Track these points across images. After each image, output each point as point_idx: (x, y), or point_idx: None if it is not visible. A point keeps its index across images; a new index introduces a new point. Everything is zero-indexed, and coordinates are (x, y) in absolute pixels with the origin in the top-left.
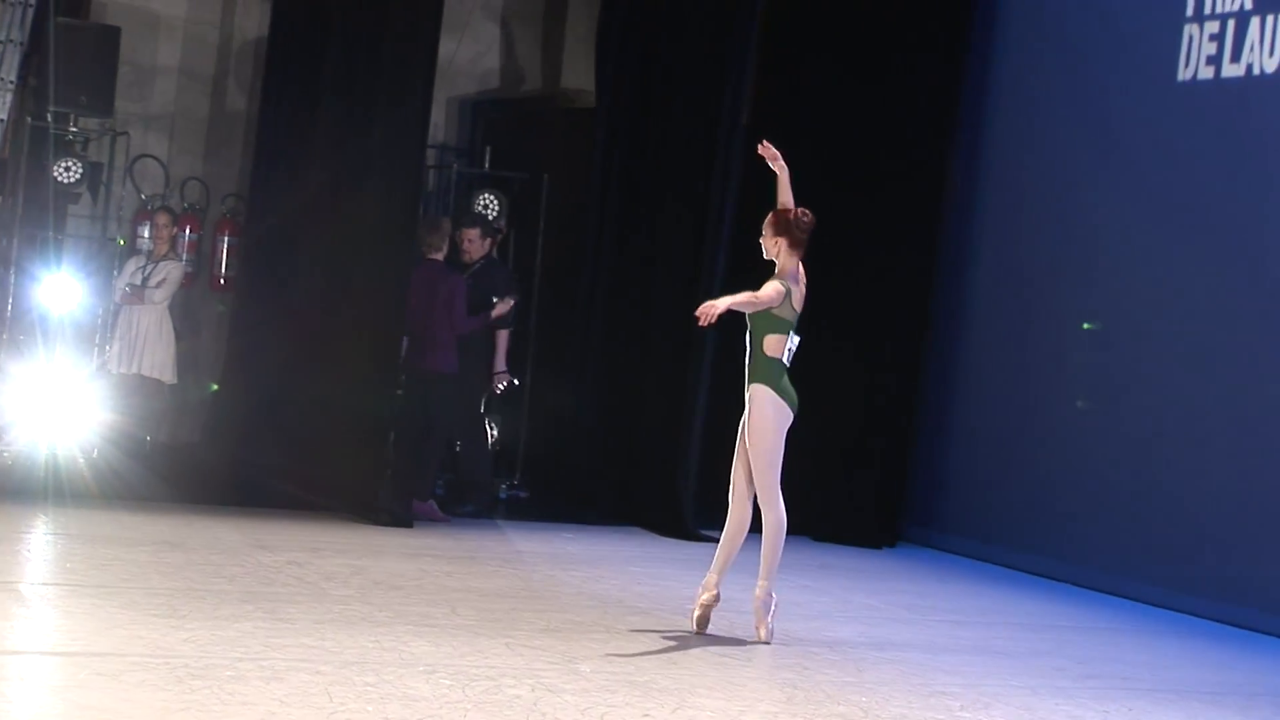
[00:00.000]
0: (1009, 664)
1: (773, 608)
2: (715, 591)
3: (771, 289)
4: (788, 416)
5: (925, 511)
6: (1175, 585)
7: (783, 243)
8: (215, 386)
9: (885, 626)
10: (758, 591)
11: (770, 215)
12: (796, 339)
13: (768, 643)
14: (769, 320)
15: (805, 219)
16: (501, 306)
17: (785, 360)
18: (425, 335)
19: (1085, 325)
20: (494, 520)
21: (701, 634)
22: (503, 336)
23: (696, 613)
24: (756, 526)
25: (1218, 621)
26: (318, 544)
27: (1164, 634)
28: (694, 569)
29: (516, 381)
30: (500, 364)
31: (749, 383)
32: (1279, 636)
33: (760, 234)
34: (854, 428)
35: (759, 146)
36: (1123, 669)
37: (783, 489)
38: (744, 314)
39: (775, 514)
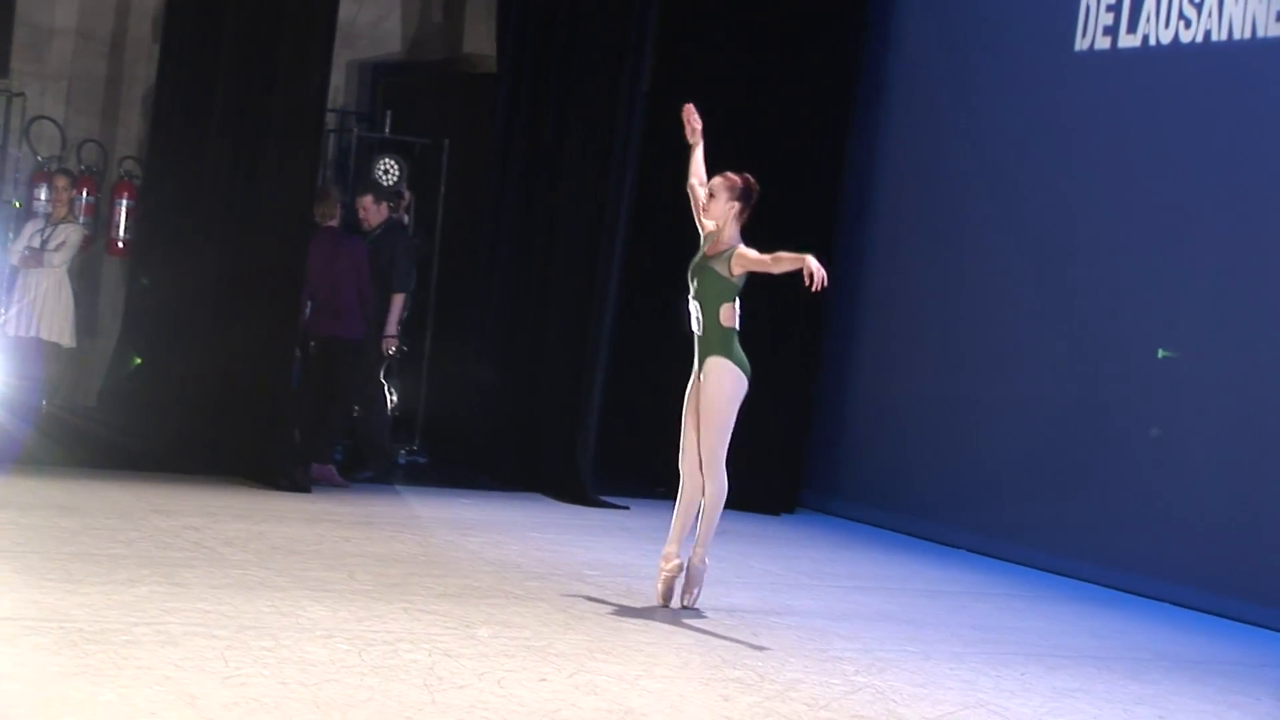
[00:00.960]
0: (905, 629)
1: (704, 576)
2: (677, 561)
3: (753, 253)
4: (744, 386)
5: (824, 478)
6: (1069, 552)
7: (737, 208)
8: (139, 360)
9: (783, 592)
10: (694, 559)
11: (725, 177)
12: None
13: (692, 608)
14: (724, 288)
15: (758, 188)
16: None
17: (738, 326)
18: (330, 302)
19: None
20: (393, 486)
21: (666, 606)
22: (397, 301)
23: (660, 586)
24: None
25: (1110, 588)
26: (215, 509)
27: (1057, 600)
28: (592, 535)
29: (405, 348)
30: (391, 328)
31: (703, 354)
32: (1170, 603)
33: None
34: (753, 394)
35: (684, 109)
36: (1016, 634)
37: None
38: (690, 282)
39: (719, 485)
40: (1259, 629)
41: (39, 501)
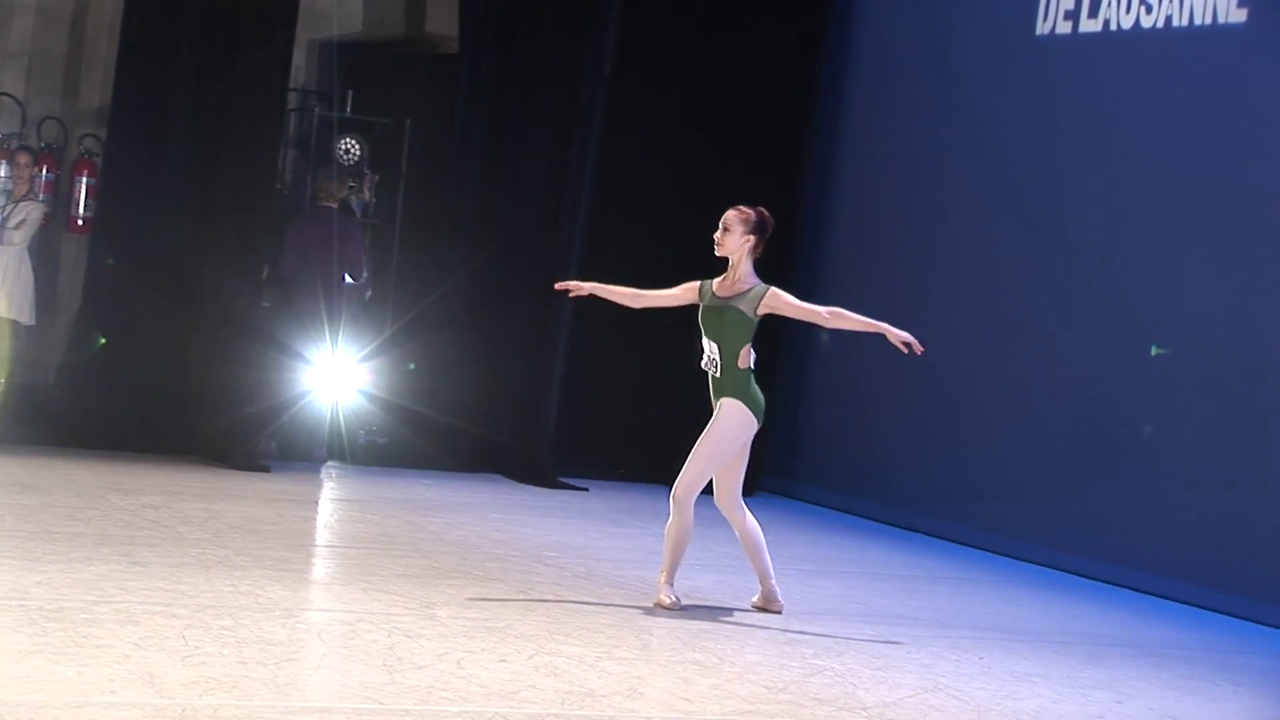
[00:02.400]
0: (864, 613)
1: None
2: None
3: (789, 296)
4: (753, 429)
5: (784, 462)
6: (1029, 537)
7: (752, 241)
8: (103, 340)
9: (743, 575)
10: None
11: (739, 211)
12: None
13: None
14: (745, 330)
15: (773, 221)
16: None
17: (753, 366)
18: (325, 281)
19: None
20: (353, 466)
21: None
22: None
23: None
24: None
25: (1070, 573)
26: (174, 488)
27: (1017, 584)
28: (552, 516)
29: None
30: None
31: (719, 394)
32: (1130, 588)
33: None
34: None
35: (561, 286)
36: (976, 618)
37: (642, 440)
38: (704, 322)
39: (686, 519)
40: (1220, 615)
41: None
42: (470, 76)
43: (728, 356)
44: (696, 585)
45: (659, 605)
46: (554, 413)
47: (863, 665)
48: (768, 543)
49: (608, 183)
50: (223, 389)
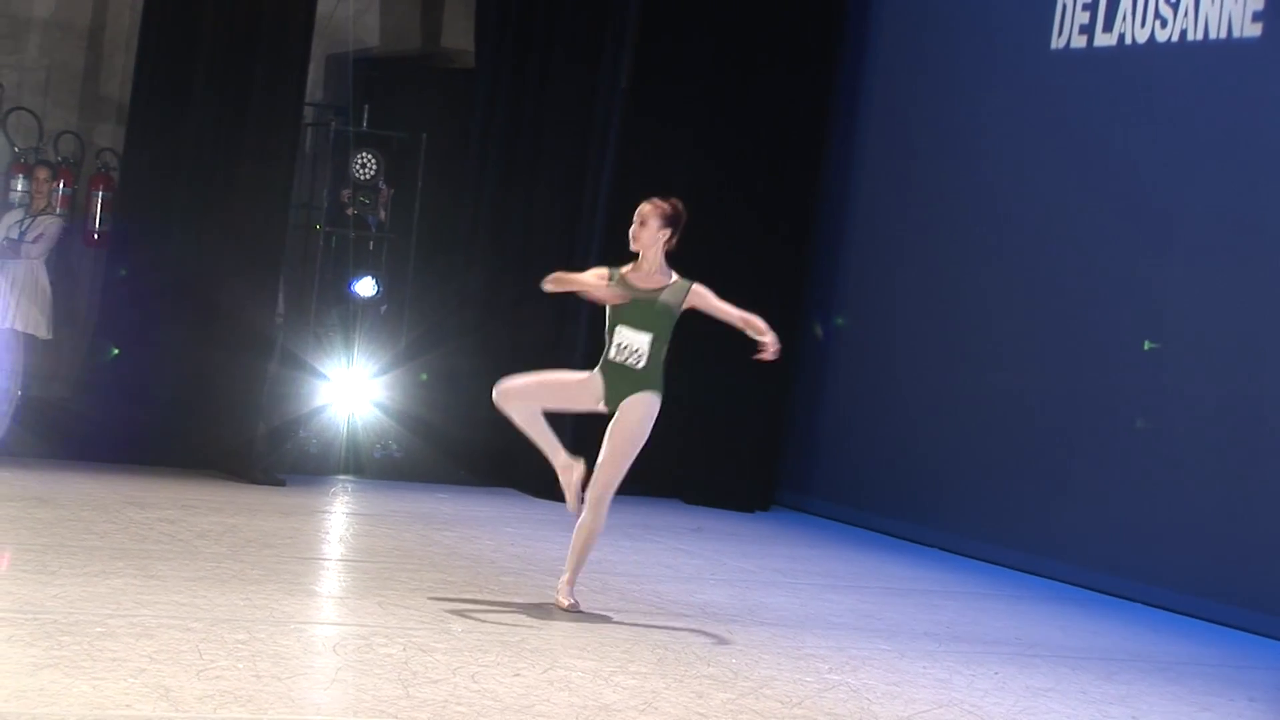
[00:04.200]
0: (878, 628)
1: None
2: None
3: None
4: (656, 410)
5: (798, 476)
6: (1044, 552)
7: (667, 234)
8: (116, 350)
9: (757, 590)
10: (559, 594)
11: (654, 204)
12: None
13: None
14: (671, 322)
15: (686, 214)
16: None
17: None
18: None
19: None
20: (369, 480)
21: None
22: None
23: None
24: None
25: (1085, 588)
26: (190, 501)
27: (1032, 599)
28: (566, 531)
29: None
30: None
31: (637, 387)
32: (1145, 604)
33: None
34: (729, 392)
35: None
36: (990, 633)
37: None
38: (619, 312)
39: (601, 519)
40: (1234, 631)
41: (14, 493)
42: (486, 91)
43: (656, 347)
44: (710, 600)
45: (558, 607)
46: (569, 427)
47: (878, 680)
48: (785, 556)
49: (624, 196)
50: (239, 403)
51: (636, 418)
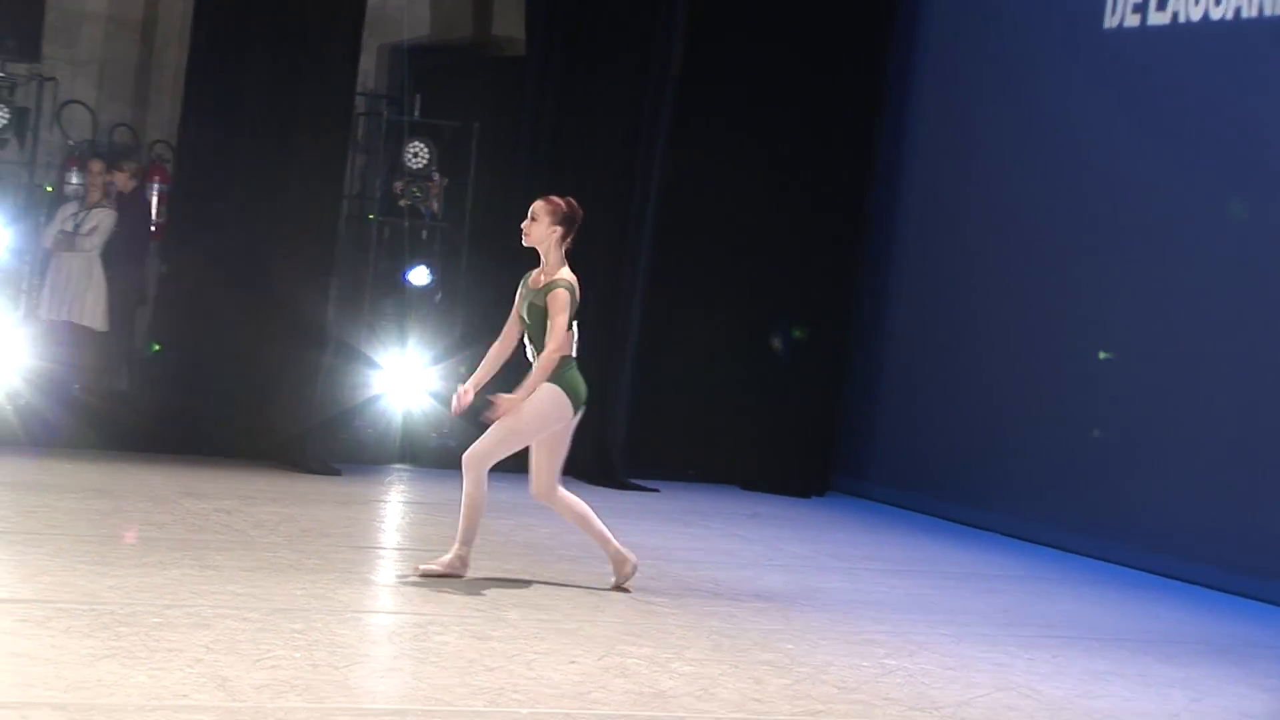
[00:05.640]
0: (936, 612)
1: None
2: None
3: (563, 305)
4: (567, 414)
5: (854, 461)
6: (1101, 535)
7: (559, 232)
8: (157, 346)
9: (814, 575)
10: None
11: (547, 201)
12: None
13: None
14: (541, 325)
15: (581, 212)
16: None
17: (574, 352)
18: None
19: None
20: (424, 469)
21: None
22: None
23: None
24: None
25: (1144, 570)
26: (247, 492)
27: (1090, 582)
28: (624, 518)
29: None
30: None
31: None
32: (1203, 585)
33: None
34: (784, 378)
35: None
36: (1049, 617)
37: (712, 440)
38: (524, 316)
39: (478, 485)
40: None
41: (72, 485)
42: (537, 79)
43: (537, 346)
44: (767, 585)
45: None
46: (625, 414)
47: (935, 665)
48: (841, 541)
49: (676, 183)
50: (294, 393)
51: (532, 401)
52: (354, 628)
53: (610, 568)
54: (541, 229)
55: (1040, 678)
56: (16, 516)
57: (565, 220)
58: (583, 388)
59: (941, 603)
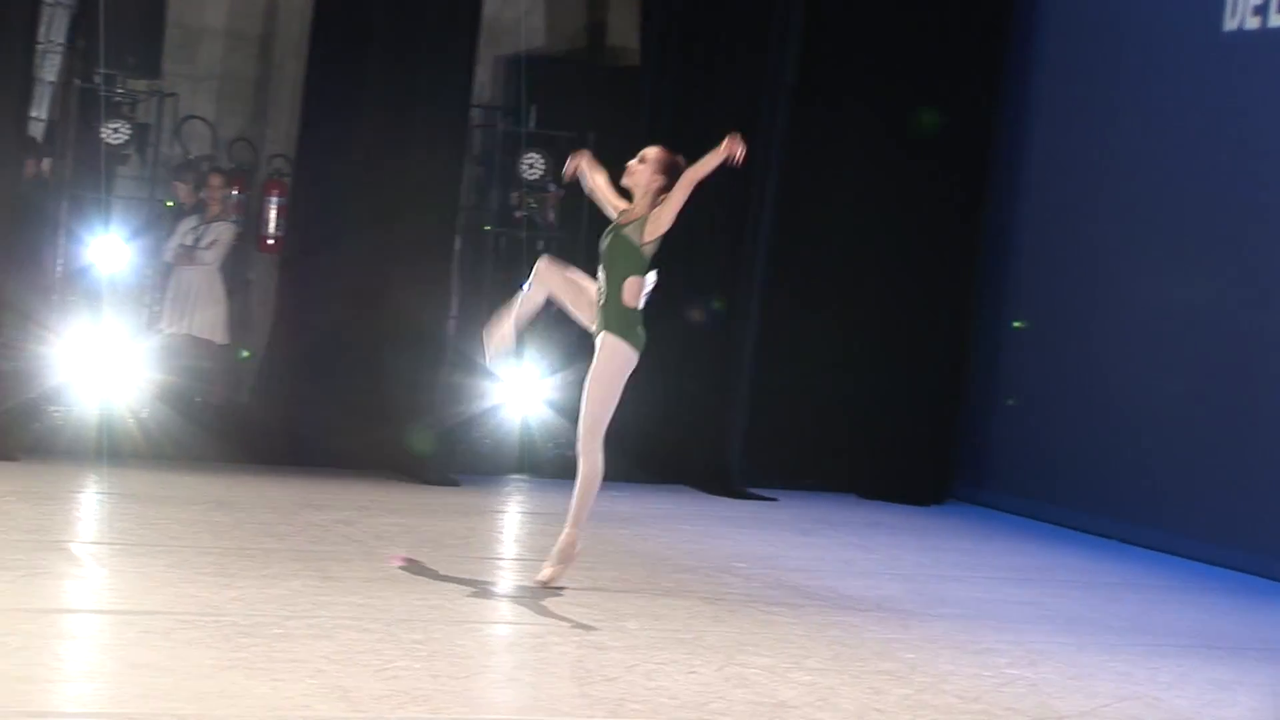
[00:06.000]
0: (1057, 621)
1: (573, 557)
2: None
3: (678, 201)
4: (632, 363)
5: (974, 469)
6: (1224, 541)
7: (660, 183)
8: (247, 353)
9: (933, 584)
10: (563, 539)
11: (661, 149)
12: (654, 277)
13: (546, 586)
14: (634, 260)
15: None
16: None
17: (640, 305)
18: None
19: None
20: (542, 480)
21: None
22: None
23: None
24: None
25: (1267, 578)
26: (367, 503)
27: (1213, 590)
28: (740, 527)
29: None
30: None
31: (606, 328)
32: None
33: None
34: (903, 385)
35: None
36: (1172, 625)
37: (830, 447)
38: (602, 250)
39: (593, 464)
40: None
41: (194, 497)
42: (652, 88)
43: (614, 286)
44: (886, 594)
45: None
46: (741, 422)
47: (1057, 674)
48: (961, 549)
49: (792, 190)
50: (412, 404)
51: (601, 358)
52: (474, 638)
53: (553, 550)
54: (647, 174)
55: (1163, 687)
56: (139, 528)
57: (671, 174)
58: (643, 335)
59: (1062, 611)
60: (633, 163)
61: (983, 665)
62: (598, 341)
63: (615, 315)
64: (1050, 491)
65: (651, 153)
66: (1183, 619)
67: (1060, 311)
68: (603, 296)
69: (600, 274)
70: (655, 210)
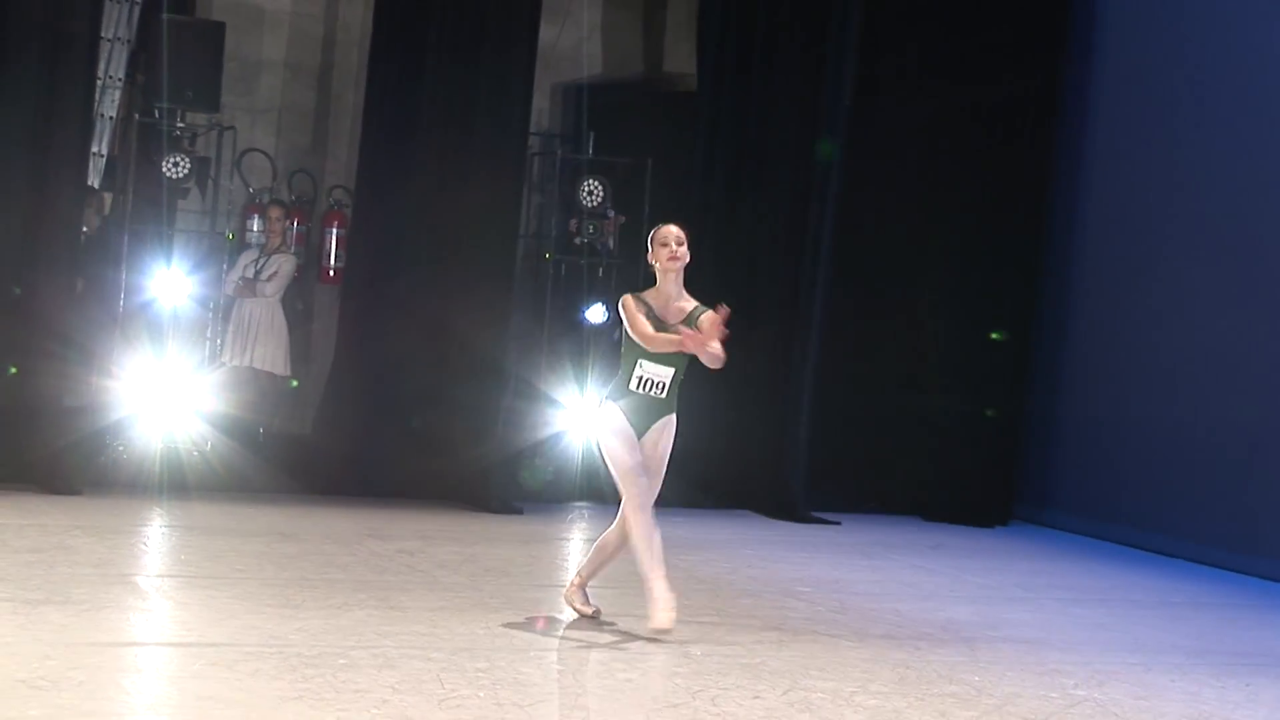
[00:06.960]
0: (1124, 641)
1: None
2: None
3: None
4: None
5: (1037, 490)
6: None
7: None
8: (295, 382)
9: (998, 605)
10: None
11: (681, 226)
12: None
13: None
14: (688, 359)
15: None
16: None
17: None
18: None
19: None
20: (606, 506)
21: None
22: None
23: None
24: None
25: None
26: (429, 532)
27: None
28: (803, 551)
29: None
30: None
31: (664, 412)
32: None
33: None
34: (965, 407)
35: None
36: (1240, 644)
37: (893, 471)
38: (628, 341)
39: (618, 528)
40: None
41: (257, 528)
42: (710, 114)
43: (677, 379)
44: (951, 617)
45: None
46: (803, 447)
47: (1125, 695)
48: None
49: (851, 215)
50: (474, 432)
51: (668, 443)
52: (537, 666)
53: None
54: (686, 256)
55: (1233, 706)
56: (203, 560)
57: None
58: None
59: (1129, 631)
60: (683, 249)
61: (1050, 687)
62: (656, 428)
63: (673, 399)
64: (1114, 511)
65: (682, 233)
66: (1251, 638)
67: (1122, 330)
68: (663, 391)
69: (653, 369)
70: (711, 313)
